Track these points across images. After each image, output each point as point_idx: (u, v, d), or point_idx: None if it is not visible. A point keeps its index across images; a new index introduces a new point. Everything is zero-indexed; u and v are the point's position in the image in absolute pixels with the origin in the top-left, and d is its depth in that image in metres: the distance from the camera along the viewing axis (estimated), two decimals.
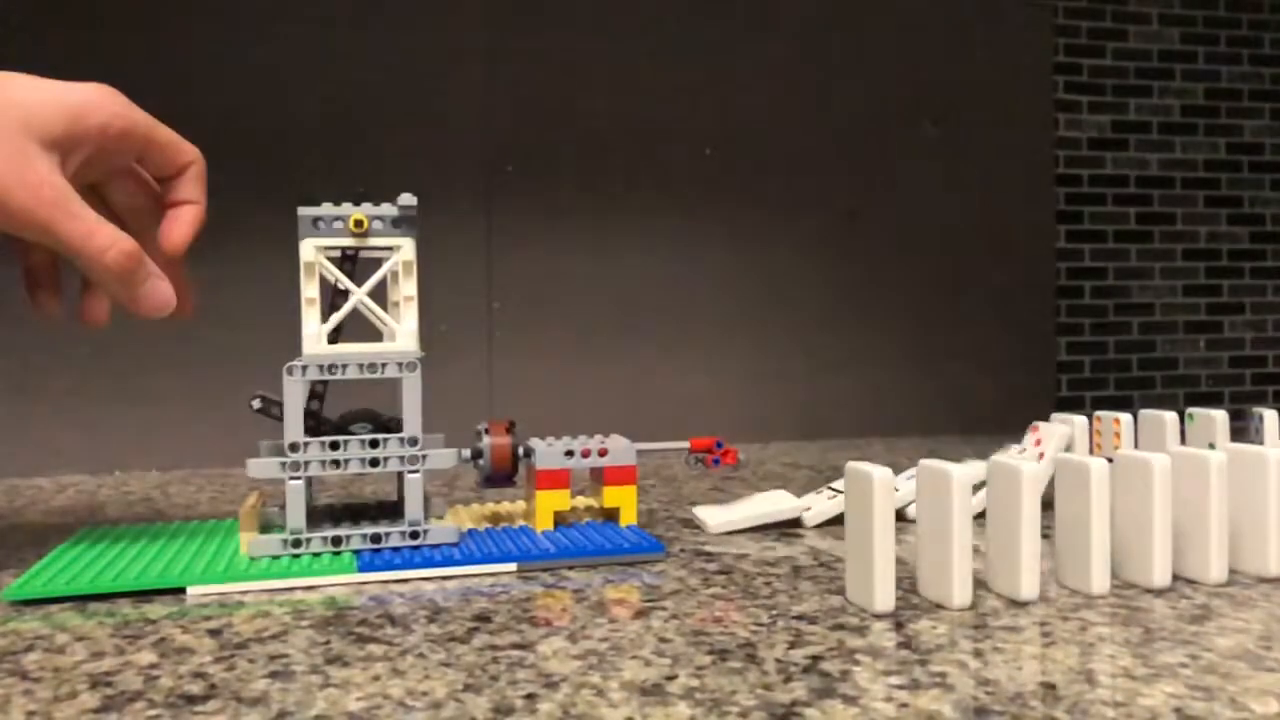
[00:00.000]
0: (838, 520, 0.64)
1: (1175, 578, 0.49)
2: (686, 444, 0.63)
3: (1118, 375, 1.20)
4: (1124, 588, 0.48)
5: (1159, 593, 0.47)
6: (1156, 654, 0.39)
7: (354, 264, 0.56)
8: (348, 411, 0.56)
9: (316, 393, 0.56)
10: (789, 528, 0.63)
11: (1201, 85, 1.23)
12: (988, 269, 1.14)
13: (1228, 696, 0.35)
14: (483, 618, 0.45)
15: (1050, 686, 0.36)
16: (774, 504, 0.64)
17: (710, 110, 1.05)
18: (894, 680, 0.36)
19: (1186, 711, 0.33)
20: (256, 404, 0.56)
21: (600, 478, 0.60)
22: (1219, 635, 0.41)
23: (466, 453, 0.58)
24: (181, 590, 0.49)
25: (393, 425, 0.55)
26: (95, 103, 0.49)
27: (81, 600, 0.48)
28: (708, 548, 0.58)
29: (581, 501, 0.64)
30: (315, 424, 0.56)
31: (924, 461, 0.46)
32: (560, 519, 0.59)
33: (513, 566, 0.53)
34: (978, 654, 0.39)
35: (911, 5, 1.12)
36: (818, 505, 0.64)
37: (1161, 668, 0.37)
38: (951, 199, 1.13)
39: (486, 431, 0.59)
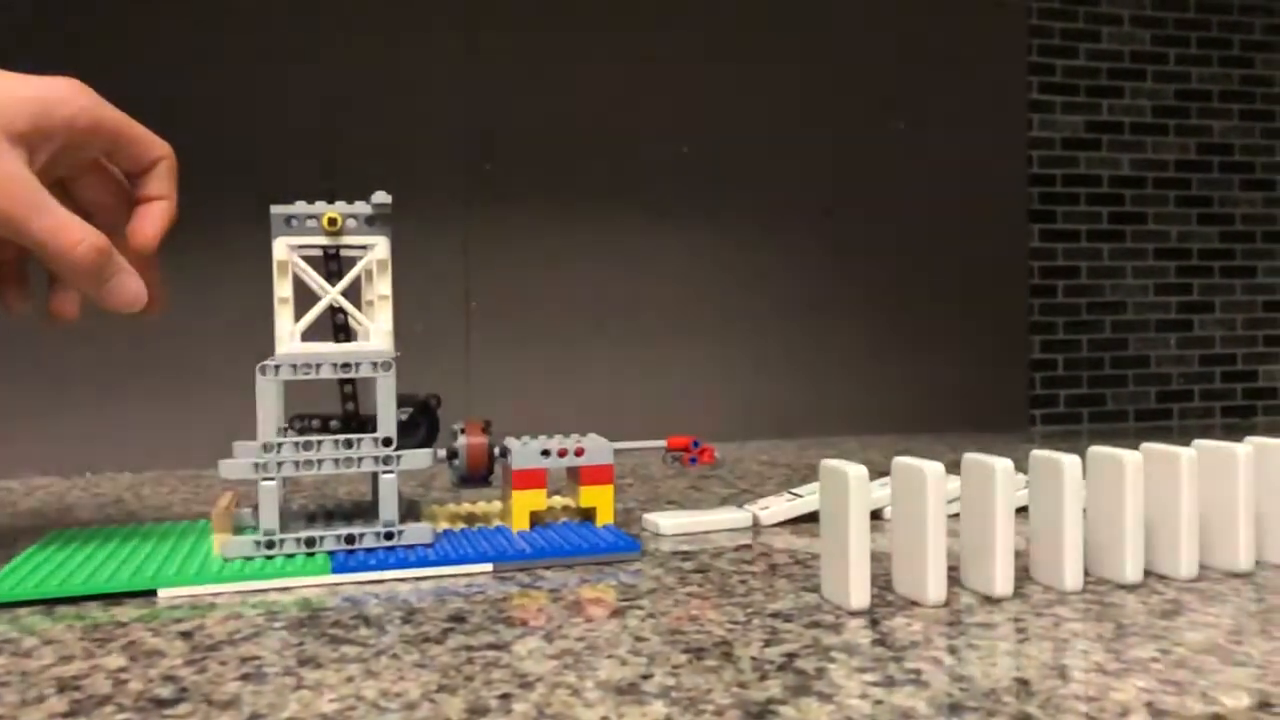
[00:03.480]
0: (803, 519, 0.64)
1: (1147, 573, 0.49)
2: (664, 443, 0.63)
3: (1090, 373, 1.21)
4: (1097, 583, 0.48)
5: (1131, 588, 0.48)
6: (1128, 649, 0.39)
7: (339, 263, 0.56)
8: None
9: (348, 394, 0.56)
10: (765, 526, 0.63)
11: (1172, 86, 1.25)
12: (962, 268, 1.15)
13: (1199, 690, 0.35)
14: (458, 618, 0.44)
15: (1024, 682, 0.36)
16: (723, 513, 0.64)
17: (687, 109, 1.05)
18: (869, 677, 0.36)
19: (1158, 706, 0.34)
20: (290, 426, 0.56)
21: (577, 477, 0.59)
22: (1190, 630, 0.42)
23: (442, 453, 0.58)
24: (153, 592, 0.48)
25: (434, 402, 0.55)
26: (62, 96, 0.48)
27: (50, 603, 0.47)
28: (684, 546, 0.58)
29: (558, 501, 0.64)
30: (359, 423, 0.56)
31: (898, 459, 0.46)
32: (536, 519, 0.59)
33: (488, 567, 0.52)
34: (952, 650, 0.39)
35: (886, 5, 1.12)
36: (776, 505, 0.64)
37: (1133, 662, 0.38)
38: (926, 198, 1.13)
39: (462, 431, 0.58)
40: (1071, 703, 0.34)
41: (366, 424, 0.55)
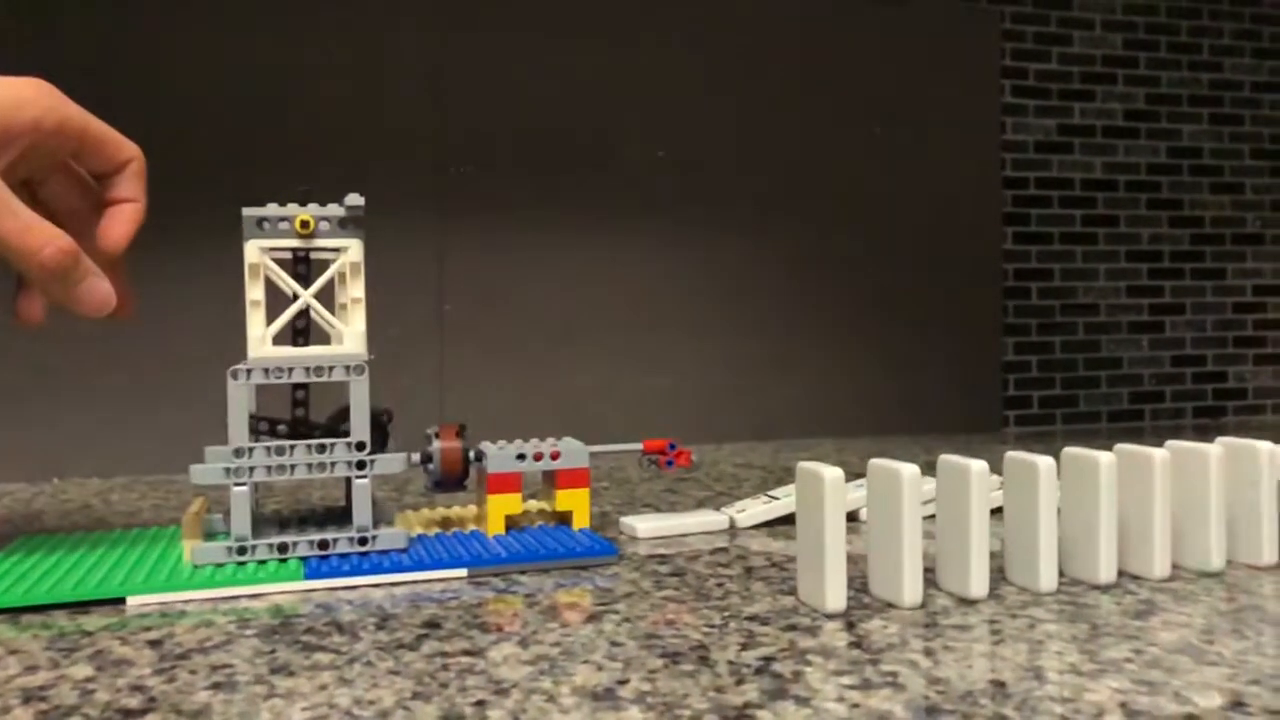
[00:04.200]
0: (780, 521, 0.64)
1: (1120, 573, 0.50)
2: (640, 446, 0.63)
3: (1063, 375, 1.22)
4: (1071, 584, 0.49)
5: (1105, 589, 0.48)
6: (1103, 649, 0.39)
7: (308, 266, 0.55)
8: (336, 410, 0.55)
9: (298, 400, 0.55)
10: (741, 529, 0.63)
11: (1143, 90, 1.26)
12: (937, 270, 1.16)
13: (1172, 690, 0.35)
14: (432, 624, 0.44)
15: (1000, 684, 0.36)
16: (700, 515, 0.64)
17: (663, 112, 1.05)
18: (846, 680, 0.36)
19: (1131, 706, 0.34)
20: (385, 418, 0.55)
21: (553, 481, 0.59)
22: (1163, 630, 0.42)
23: (416, 457, 0.57)
24: (121, 600, 0.48)
25: (384, 418, 0.55)
26: (28, 98, 0.47)
27: (15, 613, 0.46)
28: (660, 550, 0.58)
29: (534, 505, 0.63)
30: (306, 430, 0.55)
31: (874, 461, 0.46)
32: (512, 523, 0.58)
33: (463, 572, 0.52)
34: (928, 653, 0.39)
35: (860, 9, 1.12)
36: (752, 508, 0.64)
37: (1107, 663, 0.38)
38: (901, 201, 1.14)
39: (437, 435, 0.58)
40: (1048, 704, 0.34)
41: (315, 430, 0.55)
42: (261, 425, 0.55)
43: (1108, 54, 1.24)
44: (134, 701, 0.35)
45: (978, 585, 0.46)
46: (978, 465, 0.46)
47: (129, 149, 0.52)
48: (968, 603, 0.46)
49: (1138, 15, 1.26)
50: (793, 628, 0.43)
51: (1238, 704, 0.34)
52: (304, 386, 0.55)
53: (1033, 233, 1.21)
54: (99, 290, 0.49)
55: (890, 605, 0.45)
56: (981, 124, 1.18)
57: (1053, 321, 1.22)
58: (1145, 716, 0.33)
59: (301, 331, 0.55)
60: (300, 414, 0.55)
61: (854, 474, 0.78)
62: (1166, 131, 1.27)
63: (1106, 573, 0.48)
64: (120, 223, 0.52)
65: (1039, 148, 1.21)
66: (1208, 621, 0.43)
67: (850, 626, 0.43)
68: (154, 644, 0.42)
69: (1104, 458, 0.48)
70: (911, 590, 0.45)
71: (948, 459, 0.47)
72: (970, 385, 1.17)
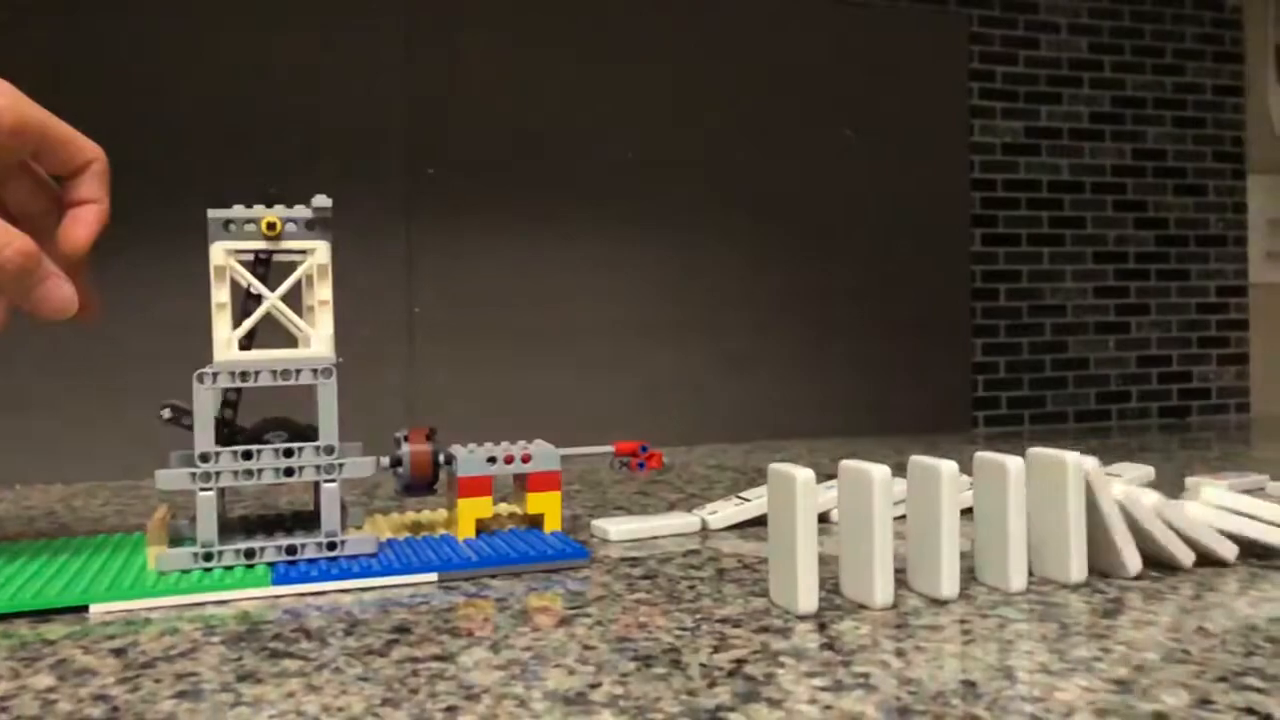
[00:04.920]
0: (752, 522, 0.64)
1: (1090, 572, 0.50)
2: (611, 448, 0.63)
3: (1031, 376, 1.23)
4: (1041, 584, 0.49)
5: (1074, 588, 0.48)
6: (1072, 649, 0.40)
7: (267, 267, 0.55)
8: (262, 420, 0.55)
9: (229, 401, 0.55)
10: (713, 531, 0.63)
11: (1108, 93, 1.27)
12: (906, 272, 1.16)
13: (1140, 689, 0.35)
14: (402, 629, 0.44)
15: (971, 684, 0.36)
16: (672, 518, 0.64)
17: (632, 114, 1.05)
18: (818, 682, 0.36)
19: (1101, 705, 0.34)
20: (166, 414, 0.53)
21: (524, 484, 0.59)
22: (1132, 628, 0.42)
23: (385, 460, 0.57)
24: (84, 608, 0.47)
25: (310, 433, 0.54)
26: None
27: None
28: (632, 553, 0.58)
29: (505, 508, 0.63)
30: (229, 433, 0.54)
31: (845, 462, 0.46)
32: (483, 527, 0.58)
33: (433, 576, 0.52)
34: (900, 654, 0.39)
35: (830, 11, 1.13)
36: (724, 510, 0.64)
37: (1077, 662, 0.38)
38: (870, 203, 1.15)
39: (406, 439, 0.58)
40: (1018, 704, 0.34)
41: (237, 435, 0.54)
42: (185, 420, 0.53)
43: (1074, 57, 1.25)
44: (97, 711, 0.35)
45: (949, 586, 0.46)
46: (948, 466, 0.46)
47: (91, 149, 0.51)
48: (939, 603, 0.46)
49: (1103, 19, 1.27)
50: (765, 629, 0.43)
51: (1205, 701, 0.34)
52: (236, 390, 0.54)
53: (1001, 234, 1.22)
54: (60, 293, 0.48)
55: (862, 606, 0.46)
56: (950, 126, 1.19)
57: (1021, 323, 1.23)
58: (1115, 715, 0.33)
59: (248, 335, 0.55)
60: (228, 415, 0.54)
61: (825, 475, 0.79)
62: (1131, 134, 1.28)
63: (1077, 572, 0.49)
64: (82, 224, 0.51)
65: (1007, 150, 1.22)
66: (1175, 620, 0.43)
67: (822, 628, 0.43)
68: (117, 652, 0.41)
69: (1071, 458, 0.48)
70: (883, 591, 0.45)
71: (918, 460, 0.47)
72: (940, 386, 1.18)
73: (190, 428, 0.52)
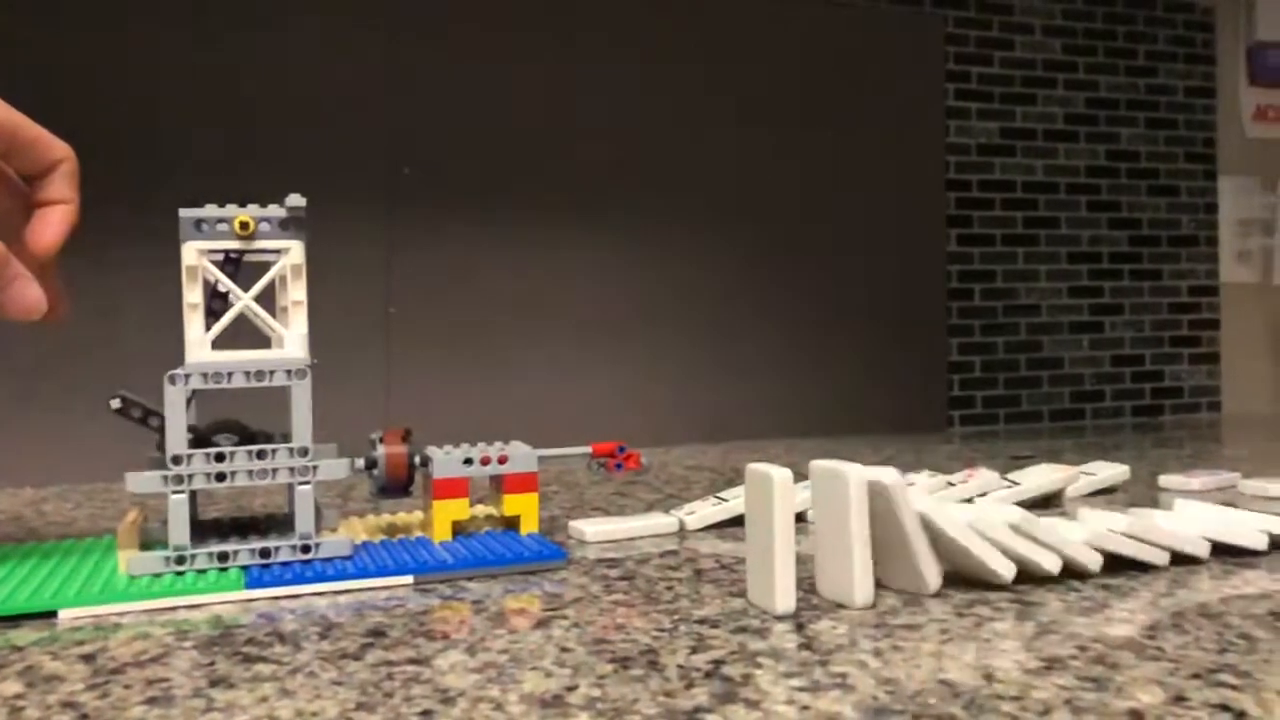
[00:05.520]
0: (729, 523, 0.64)
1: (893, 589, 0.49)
2: (589, 449, 0.62)
3: (1006, 375, 1.24)
4: (1019, 581, 0.49)
5: (1049, 585, 0.49)
6: (1048, 647, 0.40)
7: (237, 267, 0.54)
8: (212, 422, 0.54)
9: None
10: (690, 531, 0.63)
11: (1082, 94, 1.28)
12: (883, 273, 1.17)
13: (1115, 687, 0.35)
14: (377, 632, 0.43)
15: (948, 684, 0.36)
16: (650, 519, 0.64)
17: (611, 116, 1.05)
18: (795, 682, 0.36)
19: (1077, 703, 0.34)
20: (116, 404, 0.53)
21: (500, 485, 0.58)
22: (1106, 626, 0.42)
23: (360, 462, 0.56)
24: (53, 614, 0.46)
25: (259, 437, 0.53)
26: None
27: None
28: (610, 554, 0.58)
29: (481, 510, 0.63)
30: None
31: (816, 462, 0.46)
32: (459, 528, 0.58)
33: (409, 579, 0.51)
34: (878, 653, 0.39)
35: (809, 13, 1.13)
36: (701, 510, 0.64)
37: (1053, 660, 0.38)
38: (847, 204, 1.15)
39: (381, 440, 0.57)
40: (995, 703, 0.34)
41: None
42: (134, 412, 0.53)
43: (1048, 59, 1.26)
44: (65, 718, 0.34)
45: (932, 579, 0.46)
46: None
47: (60, 149, 0.50)
48: (917, 602, 0.46)
49: (1076, 21, 1.28)
50: (742, 630, 0.43)
51: (1179, 699, 0.34)
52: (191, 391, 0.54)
53: (975, 234, 1.22)
54: (28, 294, 0.48)
55: (840, 606, 0.46)
56: (925, 127, 1.20)
57: (995, 322, 1.23)
58: (1091, 713, 0.33)
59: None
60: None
61: (802, 475, 0.79)
62: (1105, 135, 1.29)
63: (1050, 563, 0.49)
64: (51, 225, 0.50)
65: (981, 150, 1.23)
66: (1150, 618, 0.44)
67: (800, 628, 0.43)
68: (87, 658, 0.40)
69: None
70: (861, 590, 0.45)
71: (873, 475, 0.45)
72: (916, 386, 1.18)
73: (141, 420, 0.51)
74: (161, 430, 0.53)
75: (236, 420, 0.54)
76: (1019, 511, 0.49)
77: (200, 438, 0.53)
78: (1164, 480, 0.76)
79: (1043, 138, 1.26)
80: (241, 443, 0.52)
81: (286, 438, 0.53)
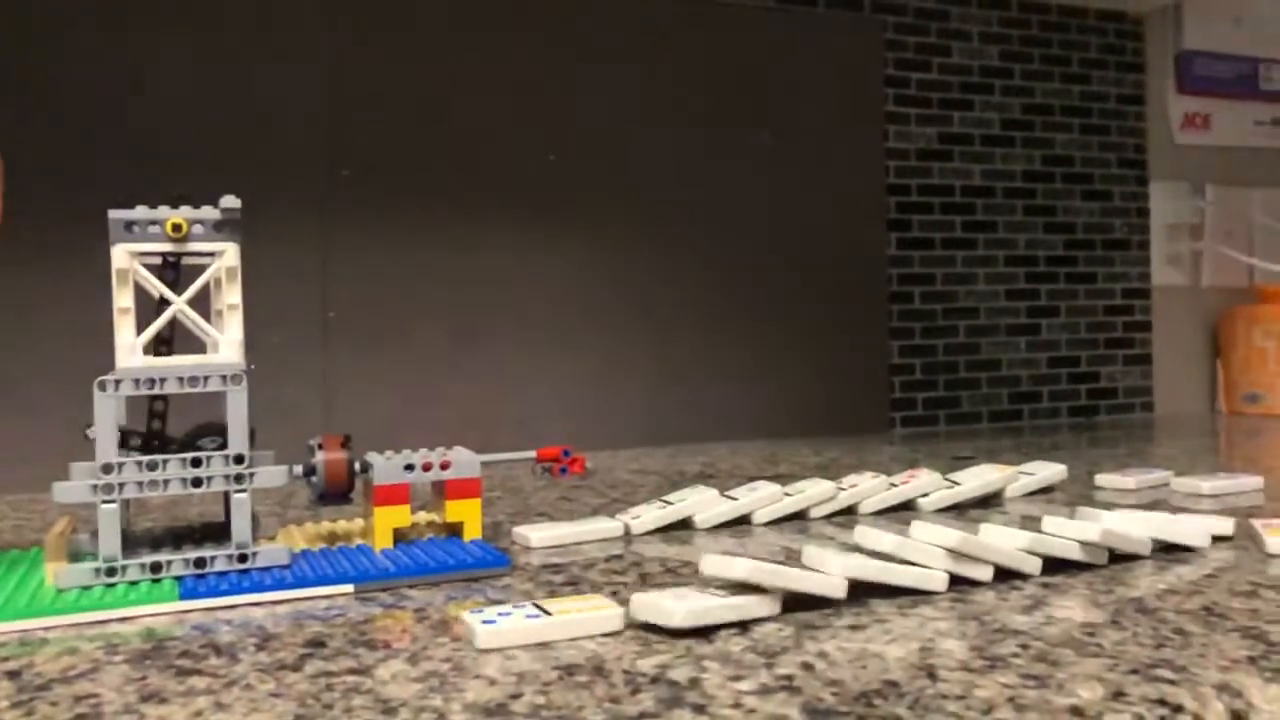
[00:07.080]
0: (675, 526, 0.64)
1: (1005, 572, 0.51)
2: (533, 454, 0.62)
3: (946, 377, 1.26)
4: (958, 581, 0.49)
5: (989, 585, 0.49)
6: (990, 645, 0.40)
7: (177, 271, 0.53)
8: (194, 426, 0.53)
9: (156, 412, 0.53)
10: (637, 535, 0.63)
11: (1018, 100, 1.30)
12: (824, 276, 1.18)
13: (1057, 683, 0.36)
14: (316, 643, 0.42)
15: (893, 684, 0.36)
16: (595, 523, 0.63)
17: (552, 116, 1.04)
18: (742, 686, 0.36)
19: (1019, 701, 0.34)
20: (91, 433, 0.51)
21: (442, 491, 0.58)
22: (1047, 625, 0.43)
23: (299, 469, 0.55)
24: None
25: (250, 435, 0.52)
26: None
27: None
28: (555, 559, 0.57)
29: (423, 517, 0.62)
30: (160, 444, 0.52)
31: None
32: (400, 536, 0.57)
33: (349, 588, 0.50)
34: (822, 655, 0.39)
35: (749, 16, 1.14)
36: (647, 514, 0.64)
37: (995, 659, 0.38)
38: (789, 208, 1.16)
39: (320, 446, 0.56)
40: (940, 702, 0.34)
41: (170, 445, 0.52)
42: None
43: (985, 65, 1.28)
44: None
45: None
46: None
47: None
48: (860, 602, 0.46)
49: (1012, 28, 1.30)
50: (688, 634, 0.42)
51: (1119, 694, 0.35)
52: (163, 398, 0.52)
53: (915, 238, 1.24)
54: None
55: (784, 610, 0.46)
56: (865, 131, 1.21)
57: (935, 325, 1.25)
58: (1033, 711, 0.33)
59: (166, 340, 0.53)
60: (157, 427, 0.53)
61: (746, 477, 0.79)
62: (1040, 140, 1.32)
63: (983, 570, 0.49)
64: None
65: (920, 155, 1.24)
66: (1087, 614, 0.44)
67: (744, 630, 0.43)
68: (11, 675, 0.39)
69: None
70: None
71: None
72: (858, 388, 1.19)
73: (135, 447, 0.50)
74: (144, 447, 0.52)
75: (221, 423, 0.52)
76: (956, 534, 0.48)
77: (185, 444, 0.52)
78: (1100, 479, 0.78)
79: (980, 143, 1.28)
80: (226, 445, 0.51)
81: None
